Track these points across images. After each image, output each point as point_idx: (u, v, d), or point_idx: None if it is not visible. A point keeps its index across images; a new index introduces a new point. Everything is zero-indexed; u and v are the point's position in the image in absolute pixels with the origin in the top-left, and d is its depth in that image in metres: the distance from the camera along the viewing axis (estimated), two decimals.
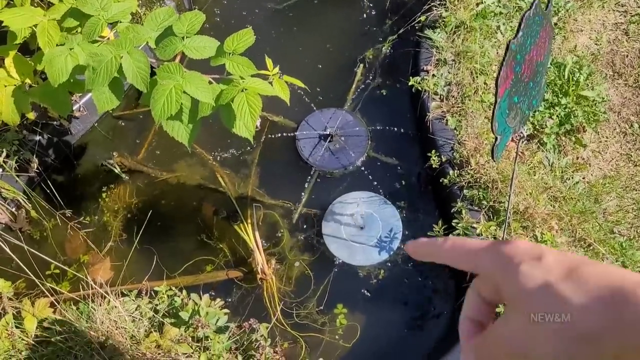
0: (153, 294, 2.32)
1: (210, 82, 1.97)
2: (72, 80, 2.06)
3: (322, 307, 2.48)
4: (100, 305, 2.17)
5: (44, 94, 2.21)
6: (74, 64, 2.00)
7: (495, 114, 1.45)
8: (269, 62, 1.98)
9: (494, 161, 1.75)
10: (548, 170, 2.64)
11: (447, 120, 2.69)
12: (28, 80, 2.29)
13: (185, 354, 2.00)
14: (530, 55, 1.44)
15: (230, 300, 2.52)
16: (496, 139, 1.56)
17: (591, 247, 2.36)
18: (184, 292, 2.28)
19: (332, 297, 2.50)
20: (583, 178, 2.66)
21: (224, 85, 1.96)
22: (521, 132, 1.71)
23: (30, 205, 2.72)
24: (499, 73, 1.35)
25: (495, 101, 1.41)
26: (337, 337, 2.42)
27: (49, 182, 2.76)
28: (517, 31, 1.32)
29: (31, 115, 2.42)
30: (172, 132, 2.03)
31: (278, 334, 2.42)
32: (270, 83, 1.96)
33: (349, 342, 2.41)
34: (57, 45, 2.06)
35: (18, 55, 2.27)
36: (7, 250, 2.13)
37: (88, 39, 2.04)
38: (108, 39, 2.14)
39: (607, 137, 2.84)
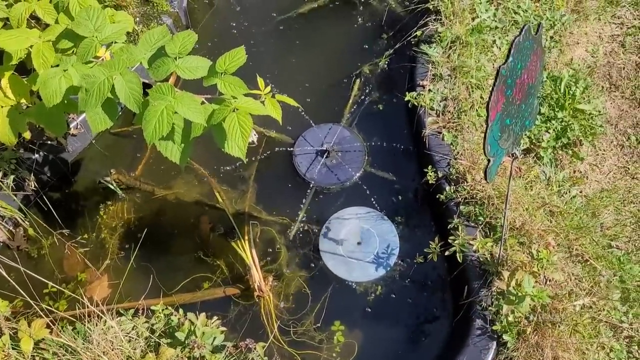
0: (150, 312, 2.32)
1: (203, 102, 1.98)
2: (66, 101, 2.06)
3: (319, 324, 2.48)
4: (97, 325, 2.16)
5: (39, 114, 2.22)
6: (68, 85, 2.01)
7: (487, 137, 1.45)
8: (260, 81, 1.99)
9: (487, 182, 1.75)
10: (545, 184, 2.64)
11: (443, 135, 2.69)
12: (24, 101, 2.29)
13: None
14: (522, 78, 1.45)
15: (227, 317, 2.52)
16: (489, 161, 1.56)
17: (588, 263, 2.35)
18: (181, 311, 2.27)
19: (330, 314, 2.50)
20: (580, 192, 2.66)
21: (215, 105, 1.96)
22: (514, 153, 1.71)
23: (27, 223, 2.73)
24: (489, 98, 1.35)
25: (487, 125, 1.41)
26: (334, 354, 2.41)
27: (46, 199, 2.76)
28: (507, 57, 1.32)
29: (27, 135, 2.42)
30: (165, 152, 2.03)
31: (275, 351, 2.41)
32: (262, 102, 1.97)
33: None
34: (52, 66, 2.07)
35: (14, 76, 2.28)
36: (3, 272, 2.13)
37: (82, 60, 2.05)
38: (103, 59, 2.14)
39: (604, 150, 2.84)
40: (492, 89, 1.35)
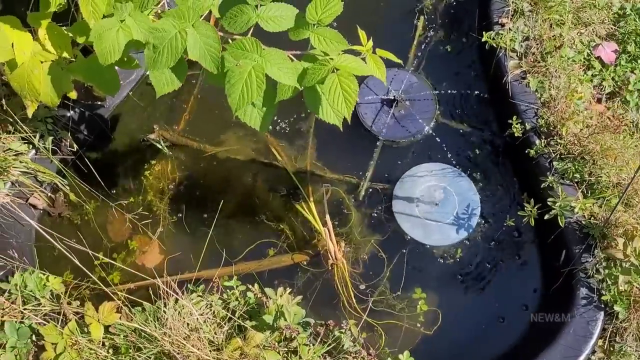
0: (218, 285, 2.11)
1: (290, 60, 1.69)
2: (125, 59, 1.76)
3: (398, 292, 2.31)
4: (166, 305, 1.96)
5: (88, 70, 1.92)
6: (127, 39, 1.70)
7: None
8: (362, 34, 1.69)
9: None
10: (632, 132, 2.41)
11: (528, 81, 2.42)
12: (66, 54, 1.97)
13: None
14: None
15: (294, 284, 2.33)
16: None
17: None
18: (256, 286, 2.08)
19: (409, 281, 2.32)
20: None
21: (307, 63, 1.67)
22: None
23: (67, 187, 2.47)
24: None
25: None
26: (418, 324, 2.26)
27: (86, 160, 2.49)
28: None
29: (73, 95, 2.11)
30: (244, 117, 1.76)
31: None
32: (363, 59, 1.68)
33: (430, 330, 2.25)
34: (104, 16, 1.75)
35: (52, 25, 1.94)
36: (56, 243, 1.87)
37: (140, 7, 1.73)
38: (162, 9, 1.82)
39: None
40: None
